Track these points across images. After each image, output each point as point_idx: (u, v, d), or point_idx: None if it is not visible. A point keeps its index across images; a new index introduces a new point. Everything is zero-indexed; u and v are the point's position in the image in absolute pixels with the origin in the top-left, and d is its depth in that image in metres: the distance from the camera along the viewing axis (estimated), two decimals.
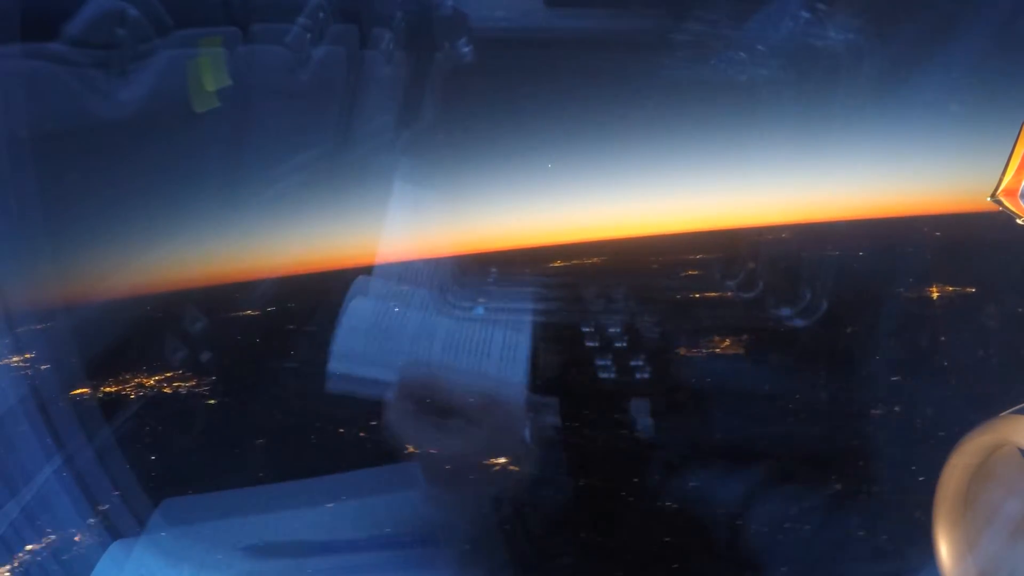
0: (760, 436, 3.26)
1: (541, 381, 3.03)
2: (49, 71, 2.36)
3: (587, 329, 3.44)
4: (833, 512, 2.81)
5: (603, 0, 3.66)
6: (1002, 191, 1.66)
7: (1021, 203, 1.67)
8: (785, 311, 3.34)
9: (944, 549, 1.40)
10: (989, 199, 1.66)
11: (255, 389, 3.51)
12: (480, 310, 3.03)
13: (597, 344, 3.42)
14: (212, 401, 3.43)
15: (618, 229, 3.84)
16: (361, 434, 3.30)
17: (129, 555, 2.34)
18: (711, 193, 3.60)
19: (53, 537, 2.15)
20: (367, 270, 2.95)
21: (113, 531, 2.31)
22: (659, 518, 3.03)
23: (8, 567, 2.00)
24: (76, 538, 2.23)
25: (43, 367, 2.27)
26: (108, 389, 3.21)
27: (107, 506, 2.33)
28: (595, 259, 3.96)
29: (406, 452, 2.78)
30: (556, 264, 3.90)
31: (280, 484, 2.88)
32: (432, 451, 2.77)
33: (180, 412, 3.37)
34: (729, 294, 3.53)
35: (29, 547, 2.05)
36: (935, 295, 3.62)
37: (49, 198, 2.39)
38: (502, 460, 2.80)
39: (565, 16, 3.68)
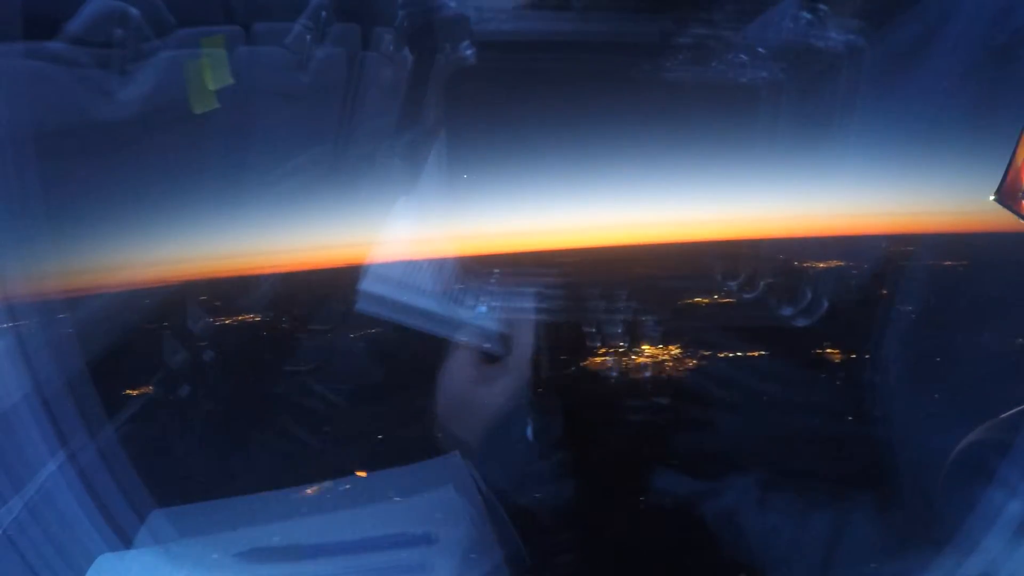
0: (761, 437, 3.27)
1: (543, 381, 3.03)
2: (49, 71, 2.37)
3: (589, 330, 3.44)
4: (834, 513, 2.81)
5: (606, 3, 3.65)
6: (1004, 192, 1.67)
7: (1022, 203, 1.67)
8: (786, 312, 3.34)
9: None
10: (992, 198, 1.67)
11: (257, 386, 3.52)
12: (482, 309, 3.03)
13: (599, 344, 3.42)
14: (214, 398, 3.43)
15: (618, 236, 3.84)
16: (362, 435, 3.31)
17: (126, 558, 2.34)
18: (717, 200, 3.59)
19: (56, 533, 2.15)
20: (368, 269, 2.95)
21: (115, 528, 2.31)
22: (660, 519, 3.03)
23: (10, 564, 2.01)
24: (78, 536, 2.23)
25: (46, 364, 2.28)
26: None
27: (109, 504, 2.34)
28: (596, 263, 3.97)
29: (406, 455, 2.77)
30: (557, 267, 3.90)
31: (279, 489, 2.87)
32: (431, 452, 2.77)
33: (182, 409, 3.38)
34: (730, 298, 3.53)
35: (31, 544, 2.05)
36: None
37: (50, 197, 2.40)
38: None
39: (568, 19, 3.68)
